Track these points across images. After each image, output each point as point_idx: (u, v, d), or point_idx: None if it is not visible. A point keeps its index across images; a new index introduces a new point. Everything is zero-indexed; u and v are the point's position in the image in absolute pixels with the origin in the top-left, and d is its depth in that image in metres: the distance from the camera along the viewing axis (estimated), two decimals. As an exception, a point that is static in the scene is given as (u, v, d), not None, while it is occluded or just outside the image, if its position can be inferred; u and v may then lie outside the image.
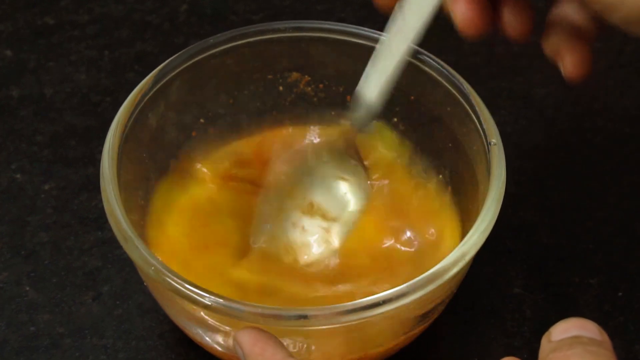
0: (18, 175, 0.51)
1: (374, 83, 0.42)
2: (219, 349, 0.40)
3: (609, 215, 0.50)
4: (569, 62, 0.39)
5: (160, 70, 0.44)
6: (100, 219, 0.49)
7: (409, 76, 0.42)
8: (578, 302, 0.47)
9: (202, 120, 0.47)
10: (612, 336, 0.45)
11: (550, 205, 0.51)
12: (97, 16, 0.61)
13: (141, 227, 0.43)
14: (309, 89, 0.48)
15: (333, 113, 0.48)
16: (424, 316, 0.41)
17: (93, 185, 0.50)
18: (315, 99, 0.48)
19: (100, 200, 0.40)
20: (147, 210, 0.44)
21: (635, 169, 0.52)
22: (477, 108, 0.42)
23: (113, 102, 0.53)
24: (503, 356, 0.44)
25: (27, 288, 0.47)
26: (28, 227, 0.49)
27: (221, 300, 0.36)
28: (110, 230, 0.39)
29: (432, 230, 0.45)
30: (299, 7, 0.62)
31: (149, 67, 0.57)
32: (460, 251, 0.38)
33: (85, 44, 0.58)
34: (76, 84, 0.56)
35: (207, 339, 0.40)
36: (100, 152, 0.42)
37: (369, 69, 0.42)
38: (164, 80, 0.44)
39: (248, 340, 0.35)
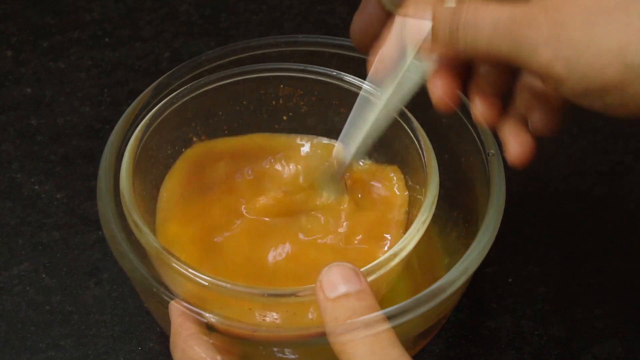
0: (36, 187, 0.54)
1: (355, 142, 0.39)
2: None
3: (609, 215, 0.49)
4: (513, 149, 0.37)
5: (154, 88, 0.42)
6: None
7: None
8: (578, 302, 0.46)
9: (193, 137, 0.46)
10: (612, 336, 0.44)
11: (550, 205, 0.49)
12: (97, 20, 0.60)
13: (137, 241, 0.40)
14: (302, 102, 0.46)
15: (325, 127, 0.45)
16: (428, 331, 0.40)
17: (95, 194, 0.44)
18: (307, 113, 0.46)
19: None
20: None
21: (636, 169, 0.51)
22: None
23: (111, 129, 0.49)
24: (504, 357, 0.43)
25: (43, 275, 0.50)
26: (44, 227, 0.52)
27: (221, 319, 0.34)
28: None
29: (429, 242, 0.43)
30: (299, 6, 0.60)
31: (148, 71, 0.58)
32: (463, 266, 0.35)
33: (89, 83, 0.60)
34: (82, 115, 0.58)
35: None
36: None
37: (353, 121, 0.39)
38: (157, 98, 0.42)
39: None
